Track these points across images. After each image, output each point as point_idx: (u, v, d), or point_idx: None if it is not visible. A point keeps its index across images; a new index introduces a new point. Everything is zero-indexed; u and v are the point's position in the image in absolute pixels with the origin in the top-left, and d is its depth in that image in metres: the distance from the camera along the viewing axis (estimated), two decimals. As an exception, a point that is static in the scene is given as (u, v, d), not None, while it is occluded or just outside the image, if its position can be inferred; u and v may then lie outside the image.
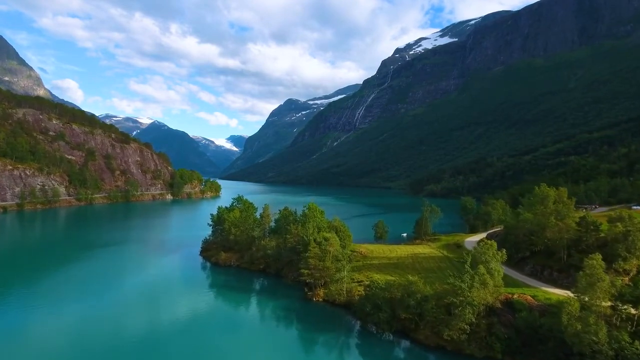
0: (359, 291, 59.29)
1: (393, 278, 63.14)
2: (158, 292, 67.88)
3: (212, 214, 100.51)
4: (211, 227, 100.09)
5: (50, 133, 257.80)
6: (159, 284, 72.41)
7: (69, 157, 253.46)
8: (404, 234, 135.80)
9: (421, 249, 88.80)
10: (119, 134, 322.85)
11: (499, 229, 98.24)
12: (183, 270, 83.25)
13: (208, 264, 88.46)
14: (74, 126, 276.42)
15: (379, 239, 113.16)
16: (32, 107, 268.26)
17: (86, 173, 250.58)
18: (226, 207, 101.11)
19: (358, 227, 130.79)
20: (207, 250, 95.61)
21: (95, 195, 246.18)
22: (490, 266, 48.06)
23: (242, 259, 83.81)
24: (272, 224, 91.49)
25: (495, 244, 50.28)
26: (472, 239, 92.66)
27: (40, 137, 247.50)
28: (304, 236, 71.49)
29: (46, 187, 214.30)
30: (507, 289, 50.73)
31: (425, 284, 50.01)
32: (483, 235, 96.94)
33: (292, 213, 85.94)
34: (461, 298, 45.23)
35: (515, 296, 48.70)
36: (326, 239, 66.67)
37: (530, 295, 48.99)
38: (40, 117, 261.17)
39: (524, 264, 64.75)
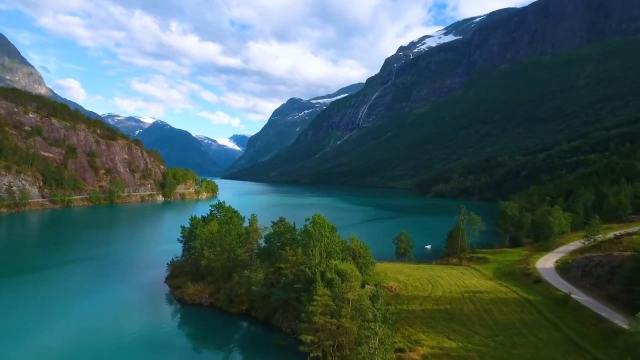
0: (402, 376, 34.16)
1: (455, 345, 38.41)
2: (80, 355, 42.87)
3: (182, 227, 74.98)
4: (182, 244, 73.99)
5: (26, 128, 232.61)
6: (88, 338, 47.15)
7: (46, 154, 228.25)
8: (428, 246, 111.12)
9: (474, 279, 62.51)
10: (104, 129, 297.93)
11: (593, 250, 66.12)
12: (133, 310, 56.90)
13: (174, 298, 63.25)
14: (53, 120, 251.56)
15: (402, 255, 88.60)
16: (7, 99, 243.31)
17: (64, 172, 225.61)
18: (203, 217, 75.75)
19: (371, 237, 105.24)
20: (174, 276, 69.32)
21: (74, 197, 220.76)
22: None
23: (217, 295, 57.90)
24: (262, 240, 65.04)
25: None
26: (543, 265, 65.45)
27: (13, 132, 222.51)
28: (306, 268, 46.20)
29: (14, 187, 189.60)
30: None
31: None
32: (557, 256, 70.05)
33: (290, 229, 58.71)
34: None
35: None
36: (342, 275, 41.47)
37: None
38: (15, 110, 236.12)
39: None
